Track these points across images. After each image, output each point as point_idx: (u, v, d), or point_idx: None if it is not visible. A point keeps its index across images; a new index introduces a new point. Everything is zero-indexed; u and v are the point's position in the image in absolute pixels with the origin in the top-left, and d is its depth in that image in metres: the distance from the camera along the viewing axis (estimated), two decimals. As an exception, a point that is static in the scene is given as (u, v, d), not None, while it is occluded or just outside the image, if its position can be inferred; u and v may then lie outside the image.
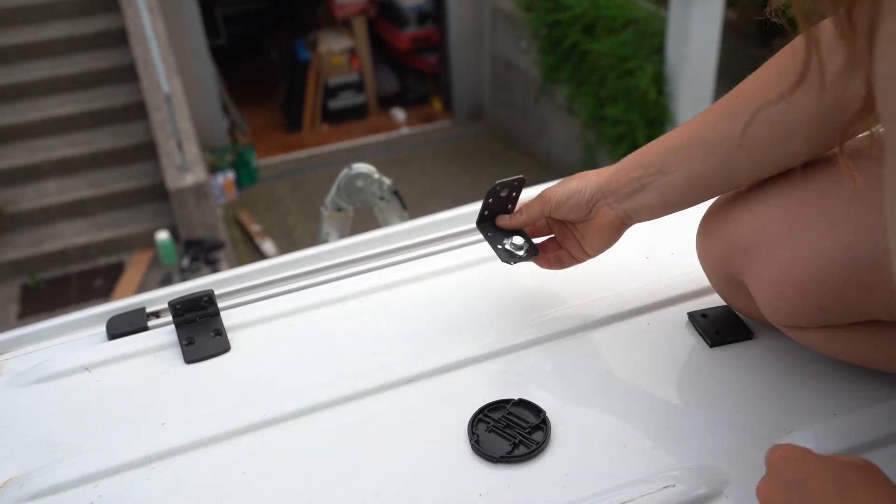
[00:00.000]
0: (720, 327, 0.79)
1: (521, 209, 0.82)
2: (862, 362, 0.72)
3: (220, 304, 0.87)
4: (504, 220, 0.82)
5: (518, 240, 0.81)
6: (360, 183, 1.33)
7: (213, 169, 6.20)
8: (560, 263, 0.82)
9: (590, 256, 0.80)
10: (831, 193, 0.64)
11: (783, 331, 0.72)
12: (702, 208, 0.77)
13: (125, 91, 5.39)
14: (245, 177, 6.51)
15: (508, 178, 0.81)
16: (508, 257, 0.80)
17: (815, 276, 0.64)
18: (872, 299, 0.63)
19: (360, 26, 7.14)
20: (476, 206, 1.01)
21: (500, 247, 0.81)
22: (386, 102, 7.47)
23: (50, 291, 4.71)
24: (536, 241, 0.83)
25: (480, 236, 0.95)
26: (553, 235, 0.82)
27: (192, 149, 4.91)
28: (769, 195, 0.68)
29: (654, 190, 0.72)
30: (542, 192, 0.79)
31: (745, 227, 0.70)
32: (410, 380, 0.77)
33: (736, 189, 0.72)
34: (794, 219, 0.66)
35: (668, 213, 0.75)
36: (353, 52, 7.14)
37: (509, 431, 0.69)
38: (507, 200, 0.83)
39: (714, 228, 0.75)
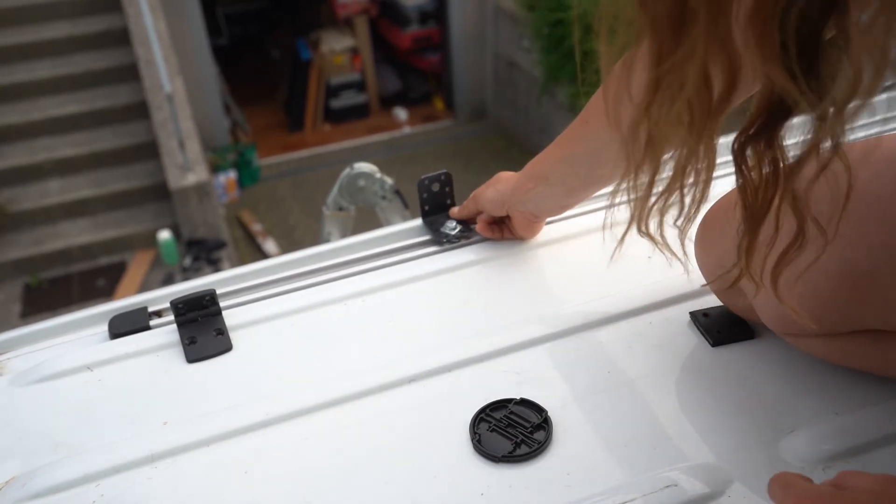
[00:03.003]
0: (722, 327, 0.79)
1: (462, 206, 0.97)
2: (861, 368, 0.72)
3: (222, 304, 0.87)
4: (453, 212, 0.98)
5: (451, 223, 0.96)
6: (361, 182, 1.33)
7: (215, 168, 6.21)
8: (503, 236, 0.96)
9: (526, 238, 0.95)
10: (827, 206, 0.64)
11: (782, 337, 0.73)
12: (702, 212, 0.77)
13: (127, 91, 5.39)
14: (247, 176, 6.51)
15: (433, 173, 0.96)
16: (441, 238, 0.95)
17: (811, 289, 0.64)
18: (869, 311, 0.63)
19: (361, 25, 7.13)
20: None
21: (437, 231, 0.96)
22: (388, 102, 7.46)
23: (52, 291, 4.72)
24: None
25: (482, 236, 0.96)
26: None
27: (193, 148, 4.91)
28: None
29: (546, 197, 0.88)
30: (474, 193, 0.94)
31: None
32: (412, 379, 0.77)
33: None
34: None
35: (566, 210, 0.93)
36: (354, 52, 7.14)
37: (511, 431, 0.69)
38: (442, 195, 0.97)
39: (710, 237, 0.75)
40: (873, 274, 0.60)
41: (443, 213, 0.98)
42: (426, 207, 0.97)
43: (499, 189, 0.91)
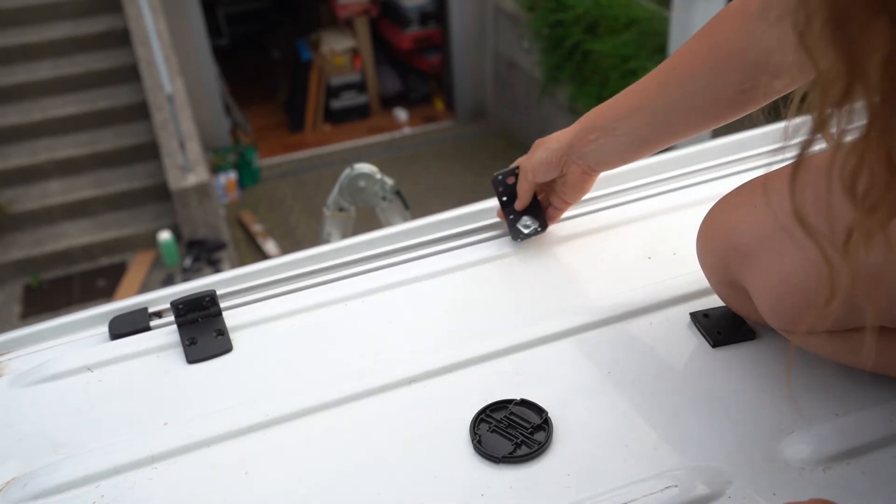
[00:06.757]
0: (722, 327, 0.79)
1: (520, 193, 0.94)
2: (863, 366, 0.72)
3: (223, 304, 0.87)
4: (518, 205, 0.95)
5: (527, 220, 0.95)
6: (362, 183, 1.34)
7: (216, 169, 6.21)
8: (549, 204, 0.95)
9: (570, 204, 0.94)
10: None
11: (784, 335, 0.72)
12: (703, 209, 0.77)
13: (128, 91, 5.40)
14: (247, 177, 6.51)
15: (507, 169, 0.95)
16: (516, 234, 0.95)
17: (814, 283, 0.64)
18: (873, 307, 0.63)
19: (362, 26, 7.14)
20: (477, 206, 1.01)
21: (513, 227, 0.95)
22: (388, 102, 7.47)
23: (53, 291, 4.72)
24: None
25: (482, 236, 0.96)
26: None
27: (194, 149, 4.91)
28: (769, 201, 0.68)
29: (610, 148, 0.85)
30: (520, 168, 0.93)
31: (746, 233, 0.70)
32: (412, 380, 0.77)
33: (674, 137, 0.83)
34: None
35: (627, 163, 0.89)
36: (355, 52, 7.14)
37: (511, 431, 0.69)
38: (515, 188, 0.96)
39: (714, 233, 0.75)
40: (877, 269, 0.60)
41: (512, 203, 0.96)
42: (504, 199, 0.95)
43: (550, 147, 0.88)
